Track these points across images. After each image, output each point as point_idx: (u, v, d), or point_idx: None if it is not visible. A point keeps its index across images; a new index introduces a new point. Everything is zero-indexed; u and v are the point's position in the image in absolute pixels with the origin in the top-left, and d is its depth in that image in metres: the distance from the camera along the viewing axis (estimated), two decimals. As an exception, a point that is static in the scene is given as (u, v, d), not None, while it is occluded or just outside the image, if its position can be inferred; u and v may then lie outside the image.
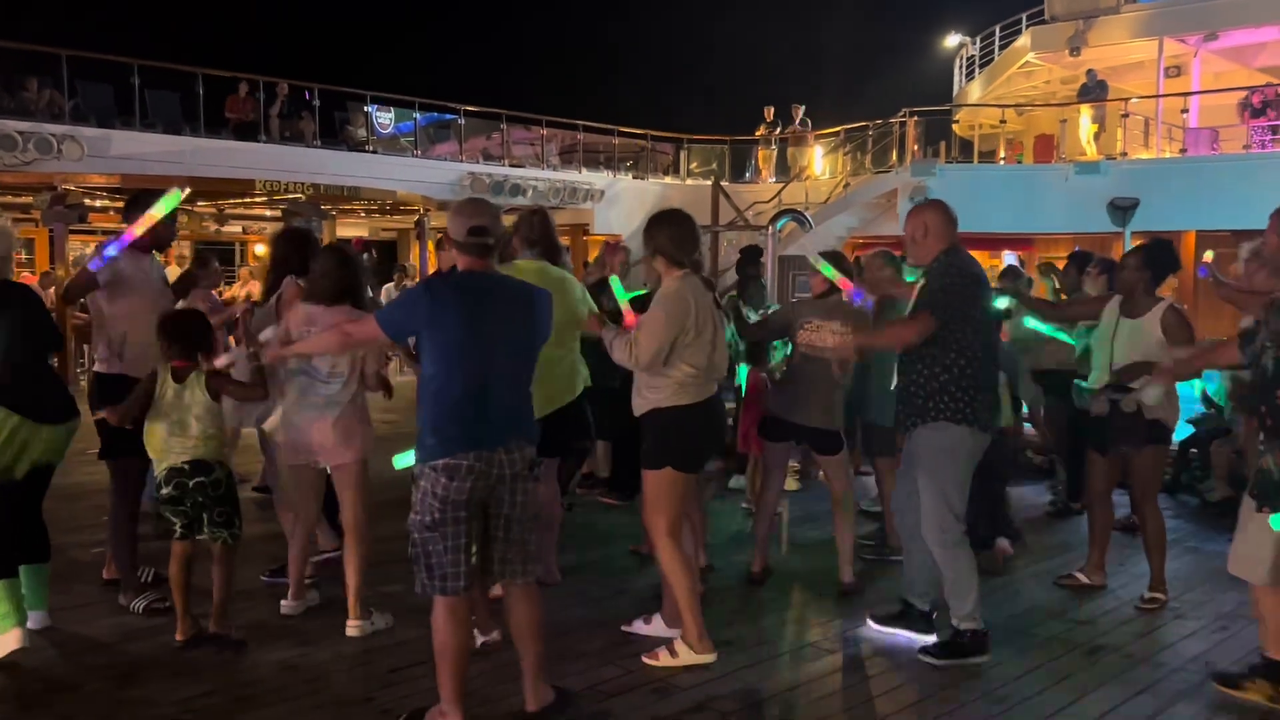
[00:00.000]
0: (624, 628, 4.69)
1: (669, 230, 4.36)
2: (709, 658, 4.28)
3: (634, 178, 22.64)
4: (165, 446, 4.42)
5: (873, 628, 4.79)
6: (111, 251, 4.74)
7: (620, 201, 21.51)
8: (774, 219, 18.69)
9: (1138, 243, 6.26)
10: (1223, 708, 4.05)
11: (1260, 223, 5.09)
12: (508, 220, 4.45)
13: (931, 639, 4.58)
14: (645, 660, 4.31)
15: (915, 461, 4.52)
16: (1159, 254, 5.34)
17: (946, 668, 4.38)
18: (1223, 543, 6.21)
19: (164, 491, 4.41)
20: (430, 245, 18.99)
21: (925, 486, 4.44)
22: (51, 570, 5.44)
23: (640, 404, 4.41)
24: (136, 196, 5.02)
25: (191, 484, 4.39)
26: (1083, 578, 5.55)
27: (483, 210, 3.75)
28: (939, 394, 4.40)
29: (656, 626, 4.63)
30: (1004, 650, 4.61)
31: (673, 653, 4.30)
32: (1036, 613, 5.14)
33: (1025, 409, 7.02)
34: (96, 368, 4.96)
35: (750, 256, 8.07)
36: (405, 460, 4.07)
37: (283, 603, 4.85)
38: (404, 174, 18.75)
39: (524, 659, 3.79)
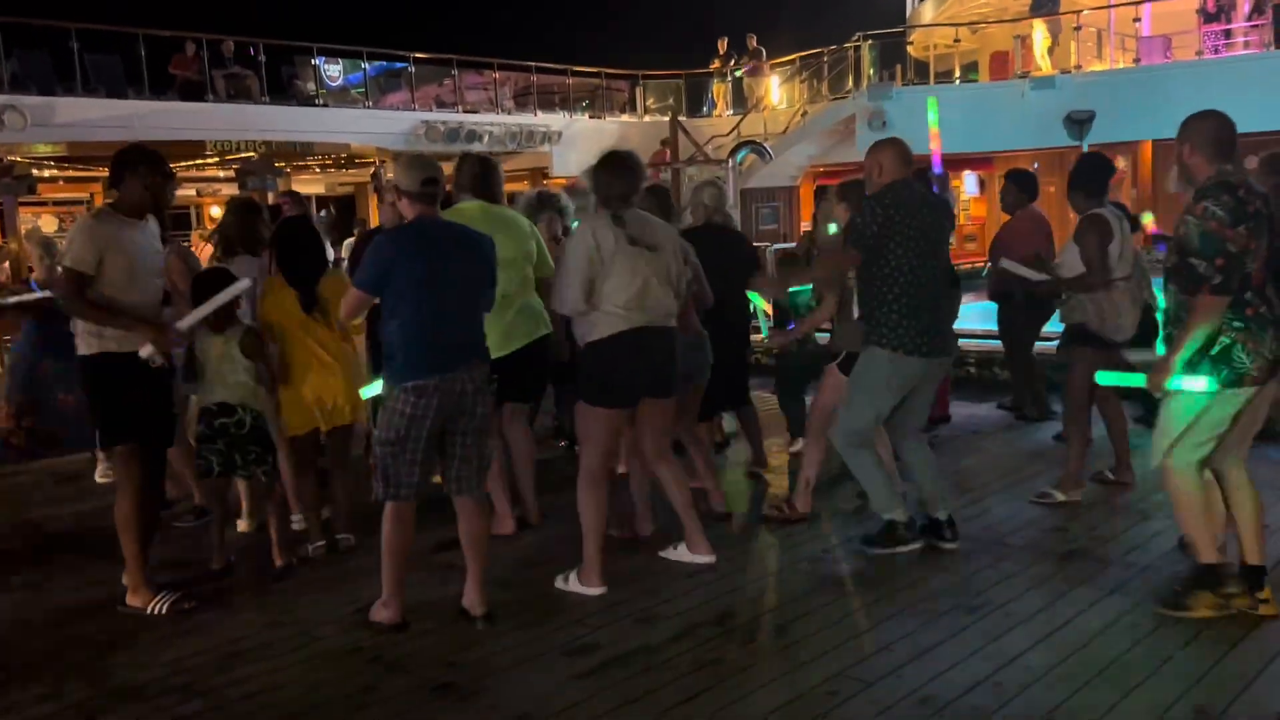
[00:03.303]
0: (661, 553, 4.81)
1: (601, 174, 4.51)
2: (595, 591, 4.47)
3: (590, 117, 22.46)
4: (204, 391, 4.80)
5: (870, 552, 4.85)
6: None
7: (578, 143, 21.32)
8: (733, 151, 18.59)
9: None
10: (1191, 601, 4.17)
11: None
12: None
13: (955, 545, 4.85)
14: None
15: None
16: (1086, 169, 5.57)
17: (878, 555, 4.78)
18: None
19: (198, 429, 4.83)
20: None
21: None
22: (34, 545, 5.49)
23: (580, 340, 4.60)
24: (123, 157, 4.40)
25: (217, 424, 4.76)
26: (1058, 494, 5.61)
27: (430, 164, 4.17)
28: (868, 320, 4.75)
29: (681, 552, 4.79)
30: (978, 560, 4.72)
31: (565, 580, 4.56)
32: (1008, 523, 5.24)
33: None
34: (81, 350, 4.39)
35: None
36: (371, 390, 4.56)
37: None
38: (357, 126, 18.51)
39: (472, 566, 4.24)
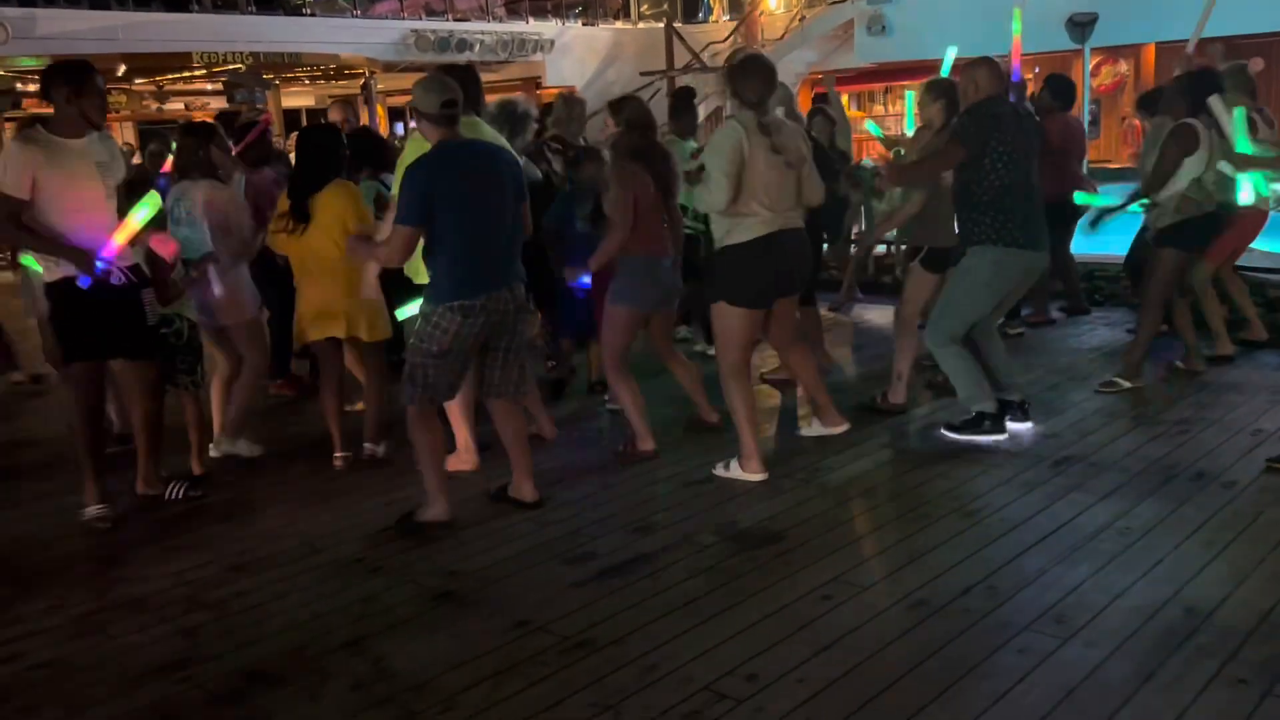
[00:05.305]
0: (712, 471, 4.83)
1: (739, 76, 4.57)
2: (756, 477, 4.69)
3: (584, 25, 21.98)
4: None
5: (950, 437, 5.14)
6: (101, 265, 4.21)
7: (571, 51, 20.92)
8: (729, 59, 18.17)
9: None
10: (1188, 501, 4.22)
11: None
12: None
13: (1029, 425, 5.21)
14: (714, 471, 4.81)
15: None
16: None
17: (959, 441, 5.05)
18: (1176, 350, 6.35)
19: None
20: (381, 110, 18.44)
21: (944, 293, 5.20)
22: (31, 460, 5.53)
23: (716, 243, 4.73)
24: (51, 71, 4.32)
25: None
26: (1123, 382, 5.84)
27: (448, 85, 4.09)
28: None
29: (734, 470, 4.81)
30: (973, 466, 4.75)
31: (727, 467, 4.78)
32: (1004, 430, 5.27)
33: None
34: (46, 278, 4.39)
35: (683, 98, 7.93)
36: (407, 312, 4.58)
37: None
38: (345, 36, 18.12)
39: (518, 463, 4.45)
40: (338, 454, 5.11)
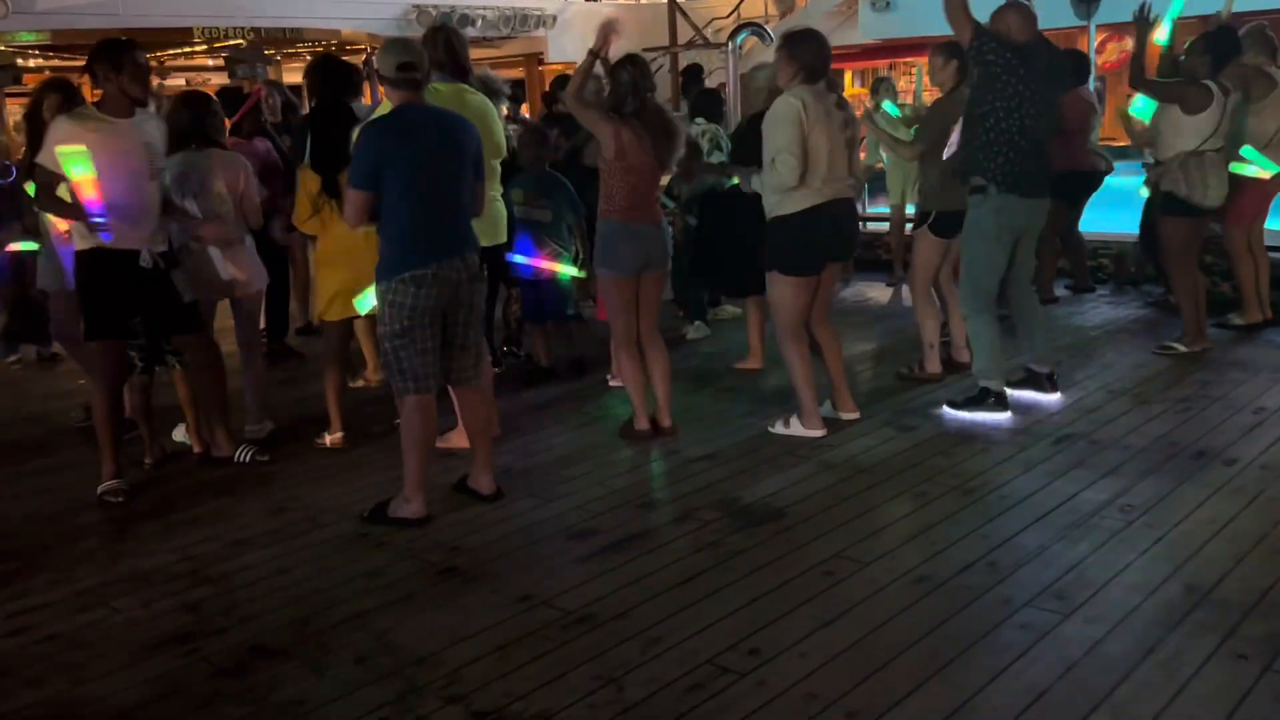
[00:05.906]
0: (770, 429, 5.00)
1: (796, 48, 4.66)
2: (816, 433, 4.90)
3: (586, 0, 21.88)
4: None
5: (951, 414, 5.13)
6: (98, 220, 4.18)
7: (573, 27, 20.81)
8: (733, 34, 18.14)
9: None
10: (1189, 479, 4.23)
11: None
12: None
13: (1056, 396, 5.25)
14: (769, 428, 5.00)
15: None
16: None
17: (959, 419, 5.06)
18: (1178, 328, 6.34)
19: None
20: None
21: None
22: (36, 437, 5.53)
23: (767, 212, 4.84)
24: (92, 51, 4.39)
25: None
26: (1180, 347, 5.99)
27: (409, 47, 4.05)
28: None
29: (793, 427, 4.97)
30: (974, 444, 4.76)
31: (786, 424, 4.95)
32: (1006, 407, 5.27)
33: None
34: (78, 245, 4.46)
35: (692, 76, 7.91)
36: (367, 303, 4.45)
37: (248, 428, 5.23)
38: (347, 11, 18.04)
39: (479, 452, 4.32)
40: (335, 434, 5.10)
